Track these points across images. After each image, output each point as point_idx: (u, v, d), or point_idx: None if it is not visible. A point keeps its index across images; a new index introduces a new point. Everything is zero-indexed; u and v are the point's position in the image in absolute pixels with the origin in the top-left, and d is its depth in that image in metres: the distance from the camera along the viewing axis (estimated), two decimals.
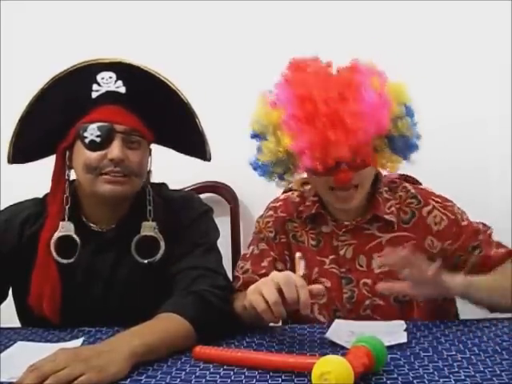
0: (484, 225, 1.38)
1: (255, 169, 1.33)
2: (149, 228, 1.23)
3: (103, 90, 1.18)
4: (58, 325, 1.20)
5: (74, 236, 1.20)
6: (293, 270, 1.29)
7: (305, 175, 1.36)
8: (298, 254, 1.16)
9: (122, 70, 1.20)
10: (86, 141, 1.16)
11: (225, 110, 1.85)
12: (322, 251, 1.36)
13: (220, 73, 1.85)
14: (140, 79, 1.21)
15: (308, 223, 1.39)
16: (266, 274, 1.17)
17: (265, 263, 1.37)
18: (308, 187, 1.43)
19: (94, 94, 1.18)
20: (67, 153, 1.22)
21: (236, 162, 1.83)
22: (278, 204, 1.45)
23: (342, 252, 1.34)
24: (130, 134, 1.19)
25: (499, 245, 1.36)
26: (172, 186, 1.37)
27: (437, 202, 1.36)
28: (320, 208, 1.37)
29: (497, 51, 1.78)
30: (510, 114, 1.79)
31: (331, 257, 1.35)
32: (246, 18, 1.85)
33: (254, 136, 1.30)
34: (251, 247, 1.43)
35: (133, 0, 1.86)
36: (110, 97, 1.19)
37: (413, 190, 1.38)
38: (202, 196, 1.67)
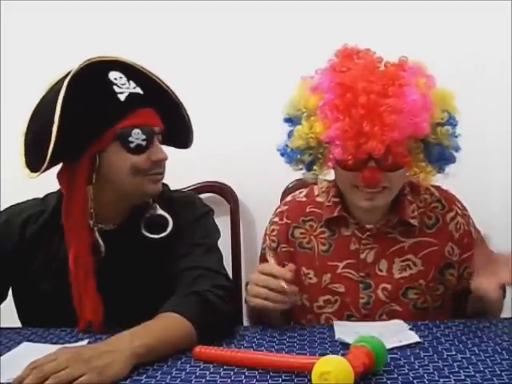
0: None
1: (282, 154, 1.30)
2: (152, 208, 1.26)
3: (126, 92, 1.18)
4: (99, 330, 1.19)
5: (101, 242, 1.22)
6: (295, 279, 1.29)
7: (331, 173, 1.32)
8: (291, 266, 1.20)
9: (125, 69, 1.21)
10: (132, 145, 1.17)
11: (225, 111, 1.85)
12: (335, 256, 1.32)
13: (222, 74, 1.85)
14: (139, 78, 1.22)
15: (323, 226, 1.34)
16: None
17: None
18: (323, 185, 1.38)
19: (122, 97, 1.17)
20: (97, 157, 1.18)
21: (236, 162, 1.85)
22: (284, 208, 1.41)
23: (362, 256, 1.30)
24: (160, 134, 1.24)
25: None
26: (172, 186, 1.37)
27: (458, 208, 1.34)
28: (342, 211, 1.32)
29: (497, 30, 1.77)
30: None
31: (347, 261, 1.31)
32: (245, 17, 1.85)
33: (288, 120, 1.28)
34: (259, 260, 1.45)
35: (134, 0, 1.87)
36: (135, 99, 1.19)
37: (437, 193, 1.35)
38: (202, 196, 1.67)
